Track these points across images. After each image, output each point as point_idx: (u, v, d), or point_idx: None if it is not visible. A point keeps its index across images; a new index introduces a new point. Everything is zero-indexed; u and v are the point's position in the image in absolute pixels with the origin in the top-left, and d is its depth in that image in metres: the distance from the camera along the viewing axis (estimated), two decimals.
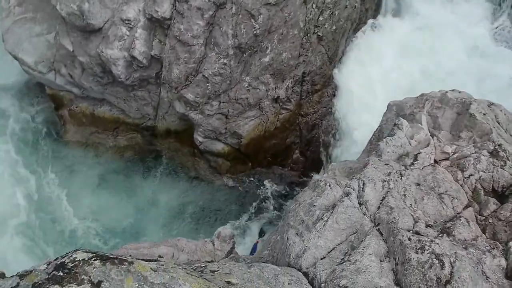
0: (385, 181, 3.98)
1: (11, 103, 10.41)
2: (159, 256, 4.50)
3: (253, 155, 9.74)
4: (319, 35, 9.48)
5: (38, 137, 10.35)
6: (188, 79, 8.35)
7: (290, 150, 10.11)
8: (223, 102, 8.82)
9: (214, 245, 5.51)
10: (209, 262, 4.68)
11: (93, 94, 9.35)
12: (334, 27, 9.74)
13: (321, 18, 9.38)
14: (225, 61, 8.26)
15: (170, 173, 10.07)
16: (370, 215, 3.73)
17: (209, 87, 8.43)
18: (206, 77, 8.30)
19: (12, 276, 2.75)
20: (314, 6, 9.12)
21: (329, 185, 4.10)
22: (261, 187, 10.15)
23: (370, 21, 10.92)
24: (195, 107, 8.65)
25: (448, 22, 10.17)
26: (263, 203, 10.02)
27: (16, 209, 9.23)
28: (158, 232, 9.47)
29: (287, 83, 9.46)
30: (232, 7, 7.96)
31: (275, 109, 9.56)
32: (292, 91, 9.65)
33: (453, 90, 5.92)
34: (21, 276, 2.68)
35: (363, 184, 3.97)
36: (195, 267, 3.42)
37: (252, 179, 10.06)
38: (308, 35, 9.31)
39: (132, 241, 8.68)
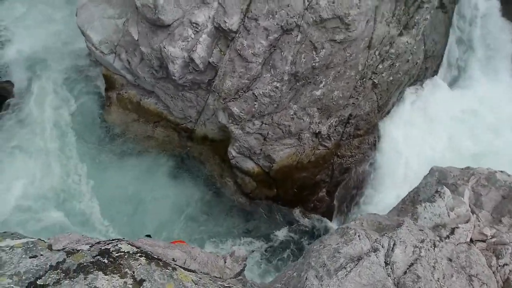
0: (417, 247, 3.85)
1: (67, 71, 10.84)
2: (173, 259, 4.48)
3: (281, 183, 9.67)
4: (375, 82, 9.44)
5: (81, 110, 10.68)
6: (238, 93, 8.44)
7: (318, 187, 9.99)
8: (265, 124, 8.84)
9: (225, 262, 5.44)
10: (217, 277, 4.62)
11: (144, 85, 9.57)
12: (391, 78, 9.69)
13: (380, 66, 9.37)
14: (277, 85, 8.32)
15: (195, 178, 10.11)
16: (395, 278, 3.60)
17: (256, 106, 8.49)
18: (255, 95, 8.37)
19: (59, 250, 2.74)
20: (377, 53, 9.12)
21: (358, 236, 3.99)
22: (279, 216, 10.05)
23: (427, 80, 10.84)
24: (237, 122, 8.70)
25: (508, 99, 9.97)
26: (276, 232, 9.89)
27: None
28: (165, 230, 9.47)
29: (332, 121, 9.42)
30: (298, 35, 8.05)
31: (313, 143, 9.51)
32: (335, 130, 9.59)
33: (502, 171, 5.73)
34: (68, 253, 2.68)
35: (394, 244, 3.85)
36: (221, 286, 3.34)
37: (273, 205, 9.97)
38: (364, 79, 9.29)
39: (138, 231, 8.86)
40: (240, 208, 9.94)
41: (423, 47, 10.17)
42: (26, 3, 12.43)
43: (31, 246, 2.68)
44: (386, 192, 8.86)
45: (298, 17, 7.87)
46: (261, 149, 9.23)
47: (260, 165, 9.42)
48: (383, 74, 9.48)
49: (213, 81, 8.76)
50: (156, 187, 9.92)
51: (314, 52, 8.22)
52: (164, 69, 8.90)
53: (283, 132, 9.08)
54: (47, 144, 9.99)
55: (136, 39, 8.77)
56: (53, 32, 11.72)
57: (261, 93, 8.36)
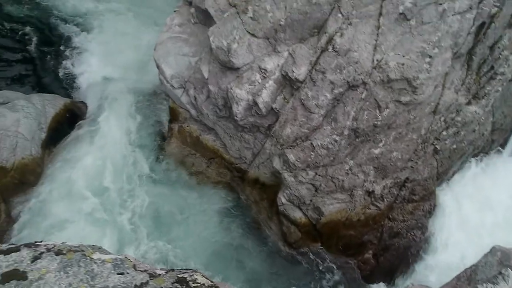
0: None
1: (138, 99, 11.53)
2: None
3: (326, 237, 9.43)
4: (437, 148, 9.19)
5: (143, 136, 11.19)
6: (296, 141, 8.51)
7: (364, 248, 9.62)
8: (319, 175, 8.78)
9: None
10: None
11: (206, 121, 9.90)
12: (454, 146, 9.40)
13: (444, 133, 9.14)
14: (337, 138, 8.31)
15: (241, 219, 10.11)
16: None
17: (312, 156, 8.49)
18: (313, 146, 8.39)
19: (143, 271, 2.80)
20: (442, 119, 8.93)
21: None
22: (320, 272, 9.72)
23: (493, 153, 10.40)
24: (291, 169, 8.71)
25: None
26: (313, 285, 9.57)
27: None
28: (205, 267, 9.42)
29: (387, 182, 9.19)
30: (363, 92, 8.09)
31: (365, 202, 9.27)
32: (389, 191, 9.33)
33: None
34: (151, 275, 2.76)
35: None
36: None
37: (315, 259, 9.69)
38: (426, 144, 9.07)
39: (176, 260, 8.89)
40: (281, 256, 9.74)
41: (491, 118, 9.83)
42: (113, 33, 13.48)
43: (119, 263, 2.79)
44: (438, 264, 8.37)
45: (366, 75, 7.94)
46: (311, 200, 9.12)
47: (308, 216, 9.27)
48: (446, 141, 9.22)
49: (273, 126, 8.91)
50: (200, 222, 10.01)
51: (377, 111, 8.19)
52: (227, 109, 9.19)
53: (335, 186, 8.95)
54: (107, 164, 10.47)
55: (206, 77, 9.19)
56: (132, 61, 12.57)
57: (319, 144, 8.37)
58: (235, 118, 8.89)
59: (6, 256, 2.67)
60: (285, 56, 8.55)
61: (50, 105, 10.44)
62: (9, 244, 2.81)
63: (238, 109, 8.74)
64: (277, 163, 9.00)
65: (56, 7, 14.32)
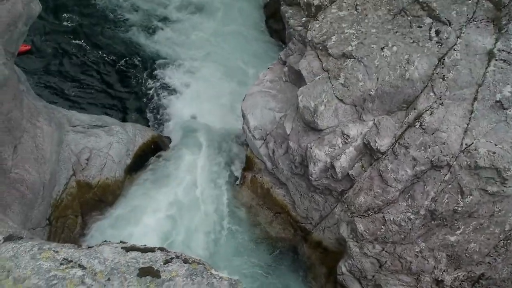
0: None
1: (218, 142, 12.12)
2: None
3: None
4: None
5: (214, 179, 11.57)
6: (367, 211, 8.33)
7: None
8: (386, 251, 8.42)
9: None
10: None
11: (279, 175, 10.07)
12: None
13: None
14: (411, 217, 8.01)
15: (296, 281, 9.87)
16: None
17: (382, 230, 8.22)
18: (385, 219, 8.15)
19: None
20: None
21: None
22: None
23: None
24: (358, 239, 8.47)
25: None
26: None
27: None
28: None
29: (459, 274, 8.56)
30: (446, 174, 7.82)
31: None
32: (460, 284, 8.65)
33: None
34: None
35: None
36: None
37: None
38: (509, 241, 8.40)
39: None
40: None
41: None
42: (204, 78, 14.48)
43: (233, 283, 3.05)
44: None
45: (451, 157, 7.71)
46: (373, 276, 8.71)
47: None
48: None
49: (346, 192, 8.83)
50: (257, 275, 9.92)
51: (459, 196, 7.83)
52: (303, 167, 9.31)
53: (402, 266, 8.50)
54: (177, 198, 10.91)
55: (288, 133, 9.46)
56: (217, 106, 13.35)
57: (391, 219, 8.11)
58: (310, 177, 8.95)
59: (143, 254, 3.00)
60: (369, 125, 8.61)
61: (140, 134, 11.28)
62: (144, 245, 3.14)
63: (315, 169, 8.82)
64: (344, 230, 8.81)
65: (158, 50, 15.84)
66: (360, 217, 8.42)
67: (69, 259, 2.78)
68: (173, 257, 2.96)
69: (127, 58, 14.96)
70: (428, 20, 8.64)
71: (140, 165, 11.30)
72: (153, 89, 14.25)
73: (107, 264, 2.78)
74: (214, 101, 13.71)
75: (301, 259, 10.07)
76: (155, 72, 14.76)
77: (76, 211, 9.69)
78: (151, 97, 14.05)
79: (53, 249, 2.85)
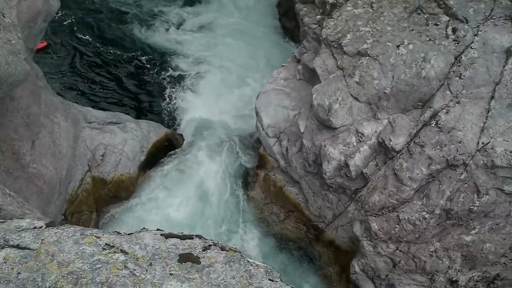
0: None
1: (230, 140, 12.23)
2: None
3: None
4: None
5: (227, 178, 11.60)
6: (382, 210, 8.29)
7: None
8: (400, 251, 8.38)
9: None
10: None
11: (293, 174, 10.06)
12: None
13: None
14: (426, 216, 7.96)
15: (308, 279, 9.85)
16: None
17: (396, 229, 8.18)
18: (400, 218, 8.10)
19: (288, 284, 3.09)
20: None
21: None
22: None
23: None
24: (371, 238, 8.44)
25: None
26: None
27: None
28: None
29: (474, 274, 8.47)
30: (462, 173, 7.76)
31: None
32: (475, 285, 8.56)
33: None
34: None
35: None
36: None
37: None
38: None
39: None
40: None
41: None
42: (220, 78, 14.54)
43: (269, 270, 3.25)
44: None
45: (468, 156, 7.65)
46: (386, 275, 8.67)
47: None
48: None
49: (360, 191, 8.80)
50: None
51: (475, 195, 7.76)
52: (317, 165, 9.30)
53: (416, 266, 8.45)
54: (190, 194, 10.98)
55: (302, 131, 9.46)
56: (231, 106, 13.40)
57: (406, 218, 8.07)
58: (324, 175, 8.94)
59: (182, 241, 3.13)
60: (384, 124, 8.57)
61: (154, 132, 11.36)
62: (181, 232, 3.26)
63: (328, 168, 8.80)
64: (357, 229, 8.78)
65: (176, 46, 15.91)
66: (374, 216, 8.38)
67: (111, 244, 2.86)
68: (211, 244, 3.07)
69: (140, 56, 15.09)
70: (445, 18, 8.57)
71: (153, 162, 11.38)
72: (166, 87, 14.33)
73: (148, 250, 2.88)
74: (227, 99, 13.76)
75: (314, 258, 10.05)
76: (168, 69, 14.85)
77: (91, 206, 9.79)
78: (165, 95, 14.14)
79: (94, 234, 2.93)
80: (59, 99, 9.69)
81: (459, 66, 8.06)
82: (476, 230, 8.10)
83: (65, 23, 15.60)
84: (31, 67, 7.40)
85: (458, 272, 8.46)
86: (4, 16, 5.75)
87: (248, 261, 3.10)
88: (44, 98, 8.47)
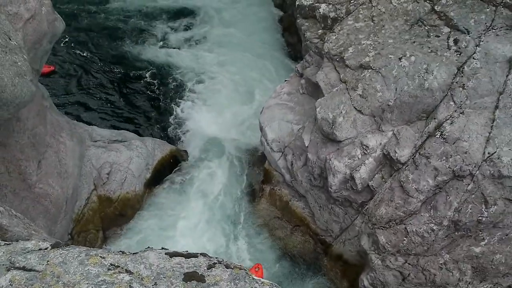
0: None
1: (235, 155, 12.17)
2: None
3: None
4: None
5: (232, 192, 11.59)
6: (389, 223, 8.22)
7: None
8: (409, 264, 8.28)
9: None
10: None
11: (298, 188, 10.03)
12: None
13: None
14: (434, 228, 7.88)
15: None
16: None
17: (404, 242, 8.09)
18: (407, 231, 8.02)
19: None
20: None
21: None
22: None
23: None
24: (379, 252, 8.35)
25: None
26: None
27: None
28: None
29: (485, 286, 8.33)
30: (469, 184, 7.70)
31: None
32: None
33: None
34: None
35: None
36: None
37: None
38: None
39: None
40: None
41: None
42: (224, 93, 14.64)
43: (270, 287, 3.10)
44: None
45: (474, 167, 7.60)
46: None
47: None
48: None
49: (367, 204, 8.74)
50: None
51: (483, 206, 7.68)
52: (322, 179, 9.26)
53: (426, 279, 8.33)
54: (195, 210, 10.95)
55: (306, 145, 9.45)
56: (235, 121, 13.46)
57: (414, 230, 7.99)
58: (329, 189, 8.90)
59: (186, 259, 3.11)
60: (388, 136, 8.55)
61: (159, 149, 11.40)
62: (186, 251, 3.23)
63: (334, 181, 8.77)
64: (365, 243, 8.69)
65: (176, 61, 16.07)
66: (381, 228, 8.31)
67: (116, 264, 2.85)
68: (216, 262, 3.04)
69: (144, 74, 15.25)
70: (446, 29, 8.62)
71: (159, 179, 11.40)
72: (170, 104, 14.45)
73: (153, 269, 2.87)
74: (231, 114, 13.83)
75: (322, 273, 9.94)
76: (172, 86, 14.99)
77: (97, 225, 9.79)
78: (169, 111, 14.25)
79: (99, 255, 2.93)
80: (65, 119, 9.79)
81: (462, 76, 8.06)
82: (486, 241, 7.99)
83: (62, 44, 15.86)
84: (37, 88, 7.49)
85: (469, 285, 8.32)
86: (10, 39, 5.85)
87: (253, 278, 3.07)
88: (50, 118, 8.55)
